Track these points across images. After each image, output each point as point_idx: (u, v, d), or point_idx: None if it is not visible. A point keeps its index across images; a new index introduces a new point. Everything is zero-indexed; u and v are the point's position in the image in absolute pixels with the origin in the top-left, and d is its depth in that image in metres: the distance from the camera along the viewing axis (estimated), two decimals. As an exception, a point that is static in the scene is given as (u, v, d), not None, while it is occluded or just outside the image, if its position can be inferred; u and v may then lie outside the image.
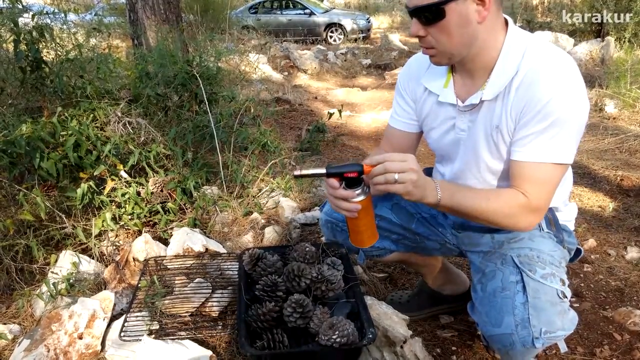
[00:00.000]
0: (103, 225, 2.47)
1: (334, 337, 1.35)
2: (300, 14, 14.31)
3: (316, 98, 6.80)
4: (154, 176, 2.74)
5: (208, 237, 2.53)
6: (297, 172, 1.26)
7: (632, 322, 2.02)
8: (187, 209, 2.78)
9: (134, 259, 2.26)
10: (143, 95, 3.12)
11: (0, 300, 2.22)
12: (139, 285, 2.06)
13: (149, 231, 2.58)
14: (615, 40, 7.91)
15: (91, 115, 2.71)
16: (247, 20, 12.88)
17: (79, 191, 2.44)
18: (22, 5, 2.79)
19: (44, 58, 2.83)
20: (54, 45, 2.96)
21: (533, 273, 1.36)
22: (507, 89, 1.33)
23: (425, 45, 1.36)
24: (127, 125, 2.78)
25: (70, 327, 1.84)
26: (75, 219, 2.49)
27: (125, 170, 2.65)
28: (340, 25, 14.07)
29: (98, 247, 2.42)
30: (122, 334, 1.81)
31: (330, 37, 14.07)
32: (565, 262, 1.47)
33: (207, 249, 2.34)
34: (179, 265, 2.22)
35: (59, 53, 2.97)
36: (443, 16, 1.25)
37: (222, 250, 2.41)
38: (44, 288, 2.07)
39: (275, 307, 1.49)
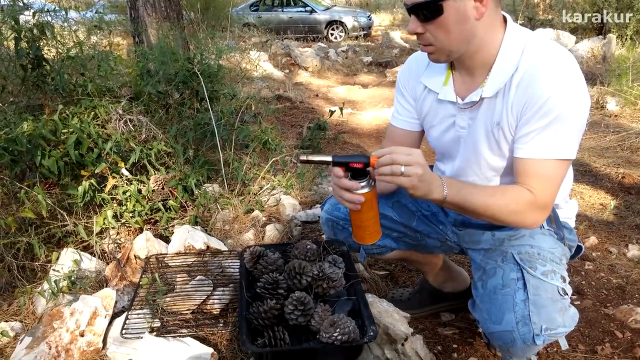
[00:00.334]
0: (104, 223, 2.47)
1: (335, 334, 1.35)
2: (301, 11, 14.29)
3: (317, 96, 6.79)
4: (155, 174, 2.74)
5: (209, 234, 2.53)
6: (303, 157, 1.26)
7: (634, 319, 2.02)
8: (188, 206, 2.78)
9: (135, 256, 2.27)
10: (144, 93, 3.12)
11: (1, 297, 2.22)
12: (141, 282, 2.06)
13: (150, 229, 2.58)
14: (617, 37, 7.89)
15: (92, 113, 2.71)
16: (248, 17, 12.87)
17: (80, 189, 2.44)
18: (23, 3, 2.79)
19: (45, 56, 2.84)
20: (55, 42, 2.96)
21: (534, 270, 1.36)
22: (507, 86, 1.33)
23: (423, 43, 1.36)
24: (128, 122, 2.78)
25: (71, 324, 1.84)
26: (76, 217, 2.49)
27: (126, 168, 2.65)
28: (342, 23, 14.05)
29: (99, 245, 2.42)
30: (124, 331, 1.82)
31: (332, 34, 14.05)
32: (565, 260, 1.47)
33: (208, 247, 2.34)
34: (180, 263, 2.22)
35: (60, 51, 2.97)
36: (441, 13, 1.26)
37: (223, 247, 2.41)
38: (46, 285, 2.08)
39: (276, 305, 1.49)
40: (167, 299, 1.97)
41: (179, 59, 3.39)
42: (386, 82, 7.85)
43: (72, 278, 2.16)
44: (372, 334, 1.37)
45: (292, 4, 14.45)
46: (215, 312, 1.97)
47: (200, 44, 4.09)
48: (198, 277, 2.09)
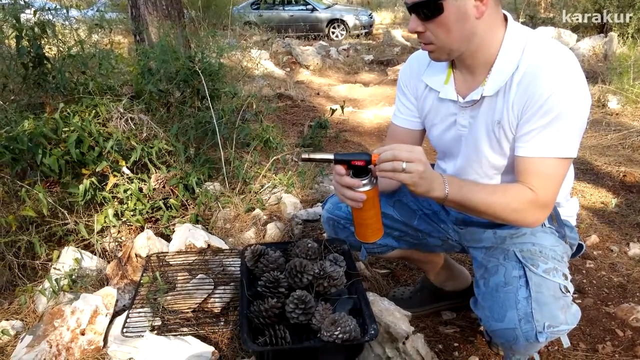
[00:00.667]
0: (105, 222, 2.47)
1: (336, 333, 1.35)
2: (302, 9, 14.28)
3: (318, 94, 6.79)
4: (156, 172, 2.74)
5: (210, 233, 2.53)
6: (304, 155, 1.27)
7: (635, 318, 2.02)
8: (189, 205, 2.78)
9: (136, 255, 2.27)
10: (145, 92, 3.12)
11: (2, 296, 2.23)
12: (141, 281, 2.06)
13: (151, 227, 2.58)
14: (618, 36, 7.87)
15: (93, 112, 2.71)
16: (249, 16, 12.85)
17: (81, 187, 2.44)
18: (24, 1, 2.79)
19: (46, 54, 2.84)
20: (56, 41, 2.96)
21: (535, 268, 1.36)
22: (507, 84, 1.33)
23: (424, 41, 1.36)
24: (130, 121, 2.78)
25: (72, 323, 1.84)
26: (77, 215, 2.49)
27: (127, 167, 2.65)
28: (343, 21, 14.03)
29: (100, 243, 2.42)
30: (125, 330, 1.82)
31: (333, 33, 14.03)
32: (567, 257, 1.47)
33: (209, 245, 2.34)
34: (181, 262, 2.22)
35: (61, 49, 2.97)
36: (441, 11, 1.26)
37: (224, 246, 2.41)
38: (47, 284, 2.08)
39: (277, 304, 1.49)
40: (168, 298, 1.97)
41: (180, 58, 3.38)
42: (387, 80, 7.84)
43: (73, 276, 2.16)
44: (373, 332, 1.37)
45: (294, 2, 14.44)
46: (216, 311, 1.97)
47: (201, 43, 4.09)
48: (199, 276, 2.09)
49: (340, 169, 1.26)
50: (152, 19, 5.29)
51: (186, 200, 2.77)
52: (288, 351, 1.41)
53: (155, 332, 1.80)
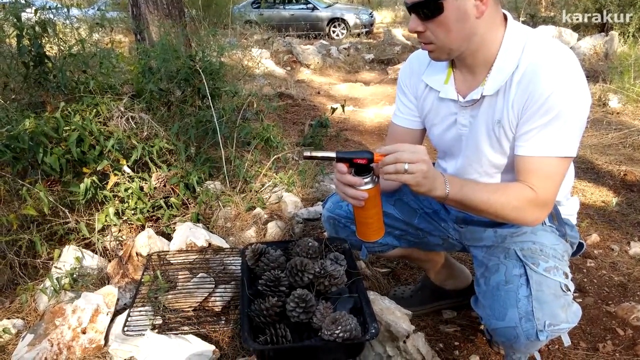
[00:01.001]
0: (106, 220, 2.48)
1: (337, 332, 1.35)
2: (303, 8, 14.26)
3: (319, 93, 6.79)
4: (156, 171, 2.74)
5: (211, 232, 2.53)
6: (307, 153, 1.26)
7: (635, 317, 2.02)
8: (190, 204, 2.78)
9: (137, 253, 2.27)
10: (146, 90, 3.12)
11: (3, 295, 2.23)
12: (142, 280, 2.06)
13: (152, 226, 2.58)
14: (619, 35, 7.86)
15: (94, 110, 2.71)
16: (249, 15, 12.82)
17: (82, 186, 2.44)
18: (25, 0, 2.79)
19: (47, 53, 2.84)
20: (56, 40, 2.97)
21: (536, 266, 1.36)
22: (507, 83, 1.33)
23: (424, 41, 1.36)
24: (130, 120, 2.78)
25: (73, 321, 1.85)
26: (78, 214, 2.50)
27: (128, 165, 2.65)
28: (343, 20, 14.02)
29: (101, 242, 2.42)
30: (126, 328, 1.82)
31: (333, 31, 14.02)
32: (567, 256, 1.47)
33: (210, 244, 2.35)
34: (182, 260, 2.22)
35: (62, 48, 2.98)
36: (441, 11, 1.26)
37: (225, 245, 2.41)
38: (48, 283, 2.08)
39: (278, 302, 1.49)
40: (169, 297, 1.98)
41: (181, 57, 3.38)
42: (388, 79, 7.84)
43: (74, 275, 2.16)
44: (373, 331, 1.37)
45: (294, 1, 14.43)
46: (217, 310, 1.97)
47: (202, 42, 4.09)
48: (200, 275, 2.09)
49: (342, 167, 1.26)
50: (153, 17, 5.28)
51: (187, 199, 2.77)
52: (289, 350, 1.41)
53: (156, 330, 1.81)
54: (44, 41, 2.80)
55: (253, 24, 11.59)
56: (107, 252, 2.43)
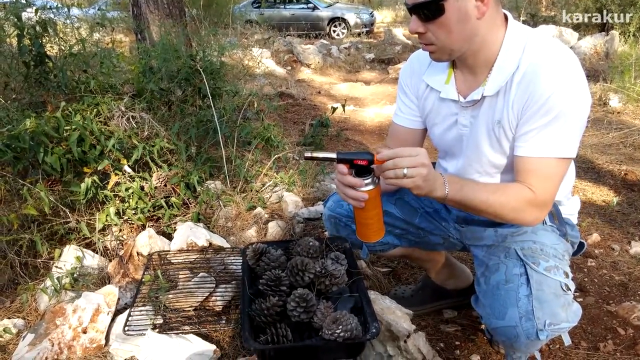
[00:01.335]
0: (107, 220, 2.48)
1: (338, 331, 1.35)
2: (303, 8, 14.25)
3: (319, 92, 6.79)
4: (157, 171, 2.74)
5: (212, 231, 2.53)
6: (307, 154, 1.26)
7: (636, 316, 2.01)
8: (190, 203, 2.78)
9: (137, 253, 2.27)
10: (146, 90, 3.12)
11: (4, 294, 2.23)
12: (143, 279, 2.06)
13: (152, 226, 2.58)
14: (619, 34, 7.85)
15: (95, 110, 2.71)
16: (250, 14, 12.81)
17: (83, 186, 2.44)
18: (26, 0, 2.79)
19: (48, 53, 2.84)
20: (57, 40, 2.97)
21: (536, 266, 1.36)
22: (508, 84, 1.33)
23: (424, 42, 1.36)
24: (131, 119, 2.78)
25: (74, 321, 1.85)
26: (79, 214, 2.50)
27: (129, 165, 2.65)
28: (344, 20, 14.01)
29: (102, 242, 2.42)
30: (126, 328, 1.82)
31: (334, 31, 14.01)
32: (568, 255, 1.47)
33: (210, 244, 2.35)
34: (183, 260, 2.23)
35: (63, 48, 2.98)
36: (442, 12, 1.25)
37: (225, 244, 2.41)
38: (48, 282, 2.08)
39: (278, 302, 1.49)
40: (170, 296, 1.98)
41: (182, 56, 3.38)
42: (388, 79, 7.84)
43: (75, 275, 2.16)
44: (374, 331, 1.37)
45: (295, 0, 14.42)
46: (217, 309, 1.97)
47: (203, 41, 4.08)
48: (200, 274, 2.09)
49: (343, 168, 1.26)
50: (154, 17, 5.29)
51: (187, 199, 2.77)
52: (289, 349, 1.41)
53: (157, 330, 1.81)
54: (44, 41, 2.80)
55: (253, 24, 11.59)
56: (108, 251, 2.43)
